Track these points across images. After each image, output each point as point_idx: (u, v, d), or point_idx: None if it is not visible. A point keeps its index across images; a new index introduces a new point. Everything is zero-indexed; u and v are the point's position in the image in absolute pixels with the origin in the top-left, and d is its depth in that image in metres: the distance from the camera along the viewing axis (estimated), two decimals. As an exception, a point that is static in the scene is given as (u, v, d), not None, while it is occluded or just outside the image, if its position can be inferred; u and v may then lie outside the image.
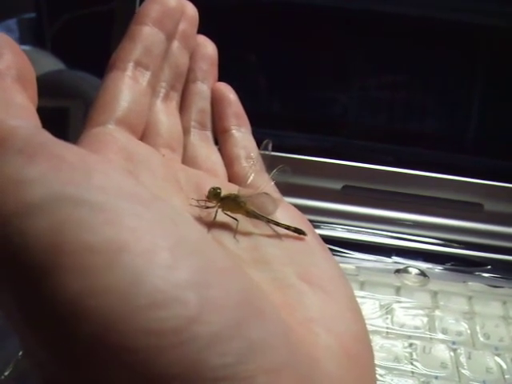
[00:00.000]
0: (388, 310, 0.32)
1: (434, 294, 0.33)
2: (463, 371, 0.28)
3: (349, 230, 0.39)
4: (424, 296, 0.33)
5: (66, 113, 0.46)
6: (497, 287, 0.35)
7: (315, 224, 0.30)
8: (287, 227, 0.22)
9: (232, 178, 0.26)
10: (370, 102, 0.42)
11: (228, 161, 0.26)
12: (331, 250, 0.22)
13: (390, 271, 0.35)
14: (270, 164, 0.24)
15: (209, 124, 0.27)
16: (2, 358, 0.27)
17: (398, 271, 0.35)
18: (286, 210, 0.23)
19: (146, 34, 0.24)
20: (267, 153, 0.25)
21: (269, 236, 0.21)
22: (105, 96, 0.22)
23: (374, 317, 0.31)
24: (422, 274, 0.35)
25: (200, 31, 0.28)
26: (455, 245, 0.38)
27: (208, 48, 0.28)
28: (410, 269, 0.35)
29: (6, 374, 0.27)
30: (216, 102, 0.27)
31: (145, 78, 0.24)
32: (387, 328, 0.31)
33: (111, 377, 0.12)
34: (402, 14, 0.39)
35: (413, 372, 0.28)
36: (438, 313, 0.32)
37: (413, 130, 0.41)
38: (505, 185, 0.38)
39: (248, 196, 0.22)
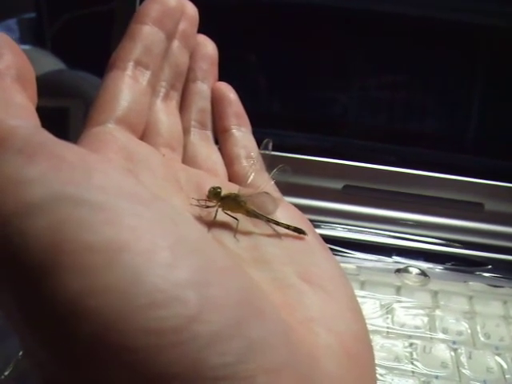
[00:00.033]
0: (388, 310, 0.32)
1: (435, 293, 0.33)
2: (464, 371, 0.28)
3: (349, 230, 0.39)
4: (424, 296, 0.33)
5: (66, 113, 0.46)
6: (497, 287, 0.35)
7: (316, 224, 0.30)
8: (287, 227, 0.22)
9: (232, 177, 0.26)
10: (370, 102, 0.42)
11: (228, 160, 0.26)
12: (332, 249, 0.22)
13: (390, 271, 0.35)
14: (270, 163, 0.24)
15: (209, 123, 0.27)
16: (2, 357, 0.27)
17: (398, 271, 0.35)
18: (286, 210, 0.23)
19: (146, 34, 0.24)
20: (267, 152, 0.25)
21: (269, 235, 0.21)
22: (105, 95, 0.22)
23: (374, 316, 0.31)
24: (423, 273, 0.35)
25: (200, 31, 0.28)
26: (456, 244, 0.38)
27: (208, 47, 0.28)
28: (411, 268, 0.35)
29: (6, 373, 0.27)
30: (216, 102, 0.27)
31: (145, 77, 0.24)
32: (388, 328, 0.31)
33: (111, 376, 0.12)
34: (401, 13, 0.39)
35: (413, 372, 0.28)
36: (438, 312, 0.32)
37: (413, 130, 0.41)
38: (505, 184, 0.38)
39: (248, 195, 0.22)
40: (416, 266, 0.36)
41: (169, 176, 0.22)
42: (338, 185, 0.39)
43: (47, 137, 0.14)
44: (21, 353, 0.27)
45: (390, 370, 0.28)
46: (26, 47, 0.58)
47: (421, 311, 0.32)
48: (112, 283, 0.12)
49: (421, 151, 0.41)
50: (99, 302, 0.11)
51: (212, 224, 0.21)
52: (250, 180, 0.24)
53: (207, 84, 0.28)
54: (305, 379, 0.14)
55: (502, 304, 0.33)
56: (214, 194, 0.22)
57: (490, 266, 0.37)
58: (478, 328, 0.31)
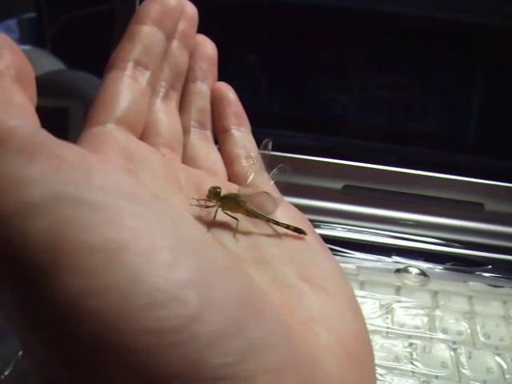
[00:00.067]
0: (388, 310, 0.32)
1: (435, 293, 0.33)
2: (463, 371, 0.28)
3: (349, 230, 0.39)
4: (424, 296, 0.33)
5: (66, 113, 0.46)
6: (497, 287, 0.35)
7: (316, 224, 0.30)
8: (287, 226, 0.22)
9: (232, 177, 0.26)
10: (370, 102, 0.42)
11: (228, 160, 0.26)
12: (331, 249, 0.22)
13: (390, 271, 0.35)
14: (269, 163, 0.24)
15: (208, 123, 0.27)
16: (2, 357, 0.27)
17: (398, 271, 0.35)
18: (285, 210, 0.23)
19: (146, 34, 0.24)
20: (267, 152, 0.25)
21: (269, 235, 0.21)
22: (104, 95, 0.22)
23: (374, 316, 0.31)
24: (423, 273, 0.35)
25: (200, 31, 0.28)
26: (456, 244, 0.38)
27: (208, 47, 0.28)
28: (411, 268, 0.35)
29: (6, 373, 0.27)
30: (216, 102, 0.27)
31: (144, 77, 0.24)
32: (387, 328, 0.31)
33: (111, 376, 0.12)
34: (401, 13, 0.39)
35: (413, 372, 0.28)
36: (438, 312, 0.32)
37: (413, 130, 0.41)
38: (505, 184, 0.38)
39: (248, 195, 0.22)
40: (416, 266, 0.36)
41: (169, 176, 0.22)
42: (337, 185, 0.39)
43: (47, 137, 0.14)
44: (21, 353, 0.27)
45: (389, 370, 0.28)
46: (26, 47, 0.58)
47: (421, 311, 0.32)
48: (112, 283, 0.12)
49: (421, 151, 0.41)
50: (99, 302, 0.11)
51: (212, 224, 0.21)
52: (249, 180, 0.24)
53: (207, 84, 0.28)
54: (305, 379, 0.14)
55: (501, 304, 0.33)
56: (214, 193, 0.22)
57: (489, 266, 0.37)
58: (478, 328, 0.31)
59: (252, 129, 0.28)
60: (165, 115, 0.25)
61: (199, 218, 0.21)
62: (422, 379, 0.28)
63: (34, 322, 0.12)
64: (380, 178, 0.39)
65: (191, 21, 0.27)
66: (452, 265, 0.37)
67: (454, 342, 0.30)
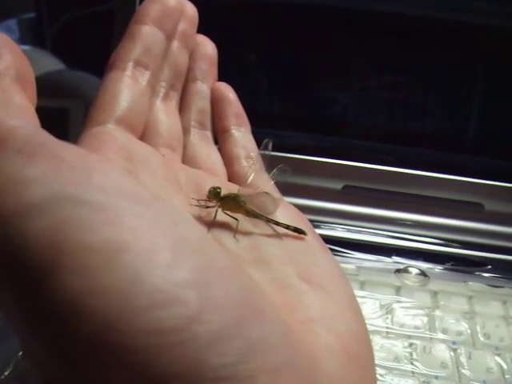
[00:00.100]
0: (388, 310, 0.32)
1: (435, 293, 0.33)
2: (463, 371, 0.28)
3: (349, 230, 0.39)
4: (424, 296, 0.33)
5: (66, 113, 0.46)
6: (497, 287, 0.35)
7: (315, 224, 0.30)
8: (287, 227, 0.22)
9: (232, 177, 0.26)
10: (370, 102, 0.42)
11: (228, 160, 0.26)
12: (331, 249, 0.22)
13: (390, 271, 0.35)
14: (269, 164, 0.24)
15: (208, 124, 0.27)
16: (2, 357, 0.27)
17: (398, 271, 0.35)
18: (285, 210, 0.23)
19: (146, 34, 0.24)
20: (267, 152, 0.25)
21: (269, 235, 0.21)
22: (104, 96, 0.22)
23: (374, 317, 0.31)
24: (423, 273, 0.35)
25: (200, 31, 0.28)
26: (455, 245, 0.38)
27: (207, 47, 0.28)
28: (411, 269, 0.35)
29: (6, 373, 0.27)
30: (216, 102, 0.27)
31: (144, 77, 0.24)
32: (387, 328, 0.31)
33: (111, 376, 0.12)
34: (401, 13, 0.39)
35: (413, 372, 0.28)
36: (438, 313, 0.32)
37: (413, 130, 0.41)
38: (505, 185, 0.38)
39: (248, 195, 0.22)
40: (416, 266, 0.36)
41: (168, 176, 0.22)
42: (337, 185, 0.39)
43: (47, 137, 0.14)
44: (21, 353, 0.27)
45: (389, 370, 0.28)
46: (26, 47, 0.58)
47: (420, 311, 0.32)
48: (112, 283, 0.12)
49: (421, 151, 0.41)
50: (99, 302, 0.11)
51: (212, 224, 0.21)
52: (249, 180, 0.24)
53: (207, 84, 0.28)
54: (305, 379, 0.14)
55: (501, 304, 0.33)
56: (214, 194, 0.22)
57: (489, 266, 0.37)
58: (478, 328, 0.31)
59: (252, 129, 0.28)
60: (165, 115, 0.25)
61: (199, 218, 0.21)
62: (422, 379, 0.28)
63: (34, 322, 0.12)
64: (380, 178, 0.39)
65: (191, 21, 0.27)
66: (452, 265, 0.37)
67: (454, 343, 0.30)
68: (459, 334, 0.30)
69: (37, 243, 0.12)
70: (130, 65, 0.23)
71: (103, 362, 0.12)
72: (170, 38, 0.25)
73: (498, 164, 0.40)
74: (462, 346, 0.30)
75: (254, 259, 0.20)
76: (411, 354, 0.29)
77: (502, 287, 0.35)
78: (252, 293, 0.14)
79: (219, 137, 0.27)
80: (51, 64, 0.55)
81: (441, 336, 0.30)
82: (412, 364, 0.28)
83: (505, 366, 0.29)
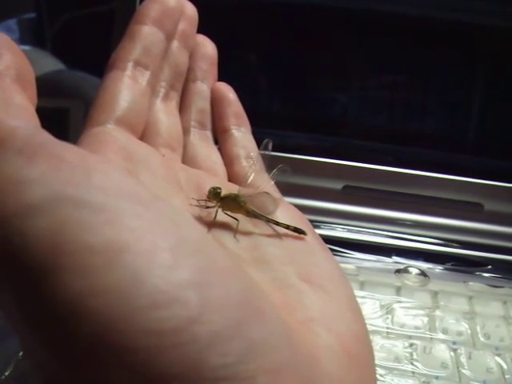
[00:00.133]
0: (388, 310, 0.32)
1: (435, 293, 0.33)
2: (464, 371, 0.28)
3: (349, 230, 0.39)
4: (424, 296, 0.33)
5: (66, 113, 0.46)
6: (497, 287, 0.35)
7: (315, 224, 0.30)
8: (287, 227, 0.22)
9: (232, 177, 0.26)
10: (370, 102, 0.42)
11: (228, 160, 0.26)
12: (331, 249, 0.22)
13: (390, 271, 0.35)
14: (269, 164, 0.24)
15: (208, 124, 0.27)
16: (3, 358, 0.27)
17: (398, 271, 0.35)
18: (286, 210, 0.23)
19: (146, 34, 0.24)
20: (267, 152, 0.25)
21: (269, 236, 0.21)
22: (104, 96, 0.22)
23: (374, 317, 0.31)
24: (423, 273, 0.35)
25: (200, 31, 0.28)
26: (455, 245, 0.38)
27: (207, 47, 0.28)
28: (411, 269, 0.35)
29: (7, 374, 0.27)
30: (216, 102, 0.27)
31: (144, 77, 0.24)
32: (387, 328, 0.31)
33: (111, 377, 0.12)
34: (401, 13, 0.39)
35: (413, 372, 0.28)
36: (438, 313, 0.32)
37: (413, 130, 0.41)
38: (505, 185, 0.38)
39: (248, 196, 0.22)
40: (416, 266, 0.36)
41: (169, 176, 0.22)
42: (337, 185, 0.39)
43: (47, 137, 0.14)
44: (21, 353, 0.27)
45: (389, 370, 0.28)
46: (26, 48, 0.58)
47: (421, 311, 0.32)
48: (112, 284, 0.12)
49: (421, 151, 0.41)
50: (99, 302, 0.11)
51: (212, 224, 0.21)
52: (249, 180, 0.24)
53: (207, 84, 0.28)
54: (305, 380, 0.14)
55: (501, 304, 0.33)
56: (214, 194, 0.22)
57: (489, 267, 0.37)
58: (478, 328, 0.31)
59: (252, 129, 0.28)
60: (165, 115, 0.25)
61: (199, 219, 0.21)
62: (422, 379, 0.28)
63: (34, 322, 0.12)
64: (380, 178, 0.39)
65: (191, 21, 0.27)
66: (452, 265, 0.37)
67: (454, 343, 0.30)
68: (459, 334, 0.30)
69: (37, 243, 0.12)
70: (130, 65, 0.23)
71: (103, 362, 0.12)
72: (169, 37, 0.25)
73: (498, 164, 0.40)
74: (462, 346, 0.30)
75: (254, 259, 0.20)
76: (411, 354, 0.29)
77: (502, 287, 0.35)
78: (252, 293, 0.14)
79: (219, 137, 0.27)
80: (51, 64, 0.55)
81: (441, 336, 0.30)
82: (412, 364, 0.28)
83: (505, 366, 0.29)
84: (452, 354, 0.29)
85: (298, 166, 0.38)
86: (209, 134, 0.27)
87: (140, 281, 0.12)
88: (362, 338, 0.18)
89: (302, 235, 0.22)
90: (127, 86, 0.23)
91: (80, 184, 0.13)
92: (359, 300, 0.20)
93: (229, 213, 0.22)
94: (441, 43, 0.40)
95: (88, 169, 0.13)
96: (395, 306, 0.32)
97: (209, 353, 0.12)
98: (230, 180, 0.26)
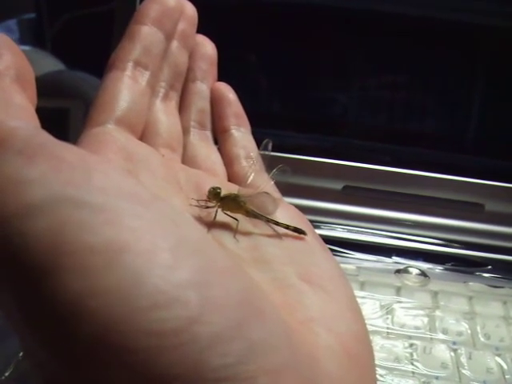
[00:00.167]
0: (388, 310, 0.32)
1: (435, 294, 0.33)
2: (464, 371, 0.28)
3: (349, 231, 0.39)
4: (424, 296, 0.33)
5: (66, 113, 0.46)
6: (497, 287, 0.35)
7: (315, 224, 0.30)
8: (287, 227, 0.22)
9: (232, 177, 0.26)
10: (370, 102, 0.42)
11: (228, 160, 0.26)
12: (331, 250, 0.22)
13: (390, 271, 0.35)
14: (269, 164, 0.24)
15: (208, 124, 0.27)
16: (3, 358, 0.27)
17: (398, 271, 0.35)
18: (285, 210, 0.23)
19: (145, 34, 0.24)
20: (267, 153, 0.25)
21: (269, 236, 0.21)
22: (104, 96, 0.22)
23: (374, 317, 0.31)
24: (423, 274, 0.35)
25: (200, 31, 0.28)
26: (456, 245, 0.38)
27: (207, 47, 0.28)
28: (411, 269, 0.35)
29: (7, 374, 0.27)
30: (215, 102, 0.27)
31: (144, 77, 0.24)
32: (388, 328, 0.31)
33: (111, 377, 0.12)
34: (401, 13, 0.39)
35: (413, 372, 0.28)
36: (438, 313, 0.32)
37: (413, 130, 0.41)
38: (505, 185, 0.38)
39: (248, 196, 0.22)
40: (416, 266, 0.36)
41: (168, 176, 0.22)
42: (337, 185, 0.39)
43: (47, 138, 0.14)
44: (21, 353, 0.27)
45: (390, 370, 0.28)
46: (26, 48, 0.58)
47: (421, 312, 0.32)
48: (113, 284, 0.12)
49: (421, 151, 0.41)
50: (100, 302, 0.11)
51: (212, 224, 0.21)
52: (249, 180, 0.24)
53: (206, 84, 0.27)
54: (305, 380, 0.14)
55: (501, 304, 0.33)
56: (214, 194, 0.22)
57: (489, 267, 0.37)
58: (478, 328, 0.31)
59: (252, 129, 0.28)
60: (164, 115, 0.25)
61: (199, 219, 0.21)
62: (423, 380, 0.28)
63: (34, 322, 0.12)
64: (380, 178, 0.39)
65: (191, 21, 0.27)
66: (452, 265, 0.37)
67: (455, 343, 0.30)
68: (459, 334, 0.30)
69: (37, 244, 0.12)
70: (130, 65, 0.23)
71: (103, 363, 0.12)
72: (169, 38, 0.25)
73: (498, 164, 0.40)
74: (463, 347, 0.30)
75: (254, 259, 0.20)
76: (411, 354, 0.29)
77: (502, 287, 0.35)
78: (252, 293, 0.14)
79: (219, 137, 0.27)
80: (51, 64, 0.55)
81: (441, 336, 0.30)
82: (412, 364, 0.28)
83: (505, 367, 0.29)
84: (452, 354, 0.29)
85: (298, 166, 0.38)
86: (209, 134, 0.27)
87: (140, 281, 0.12)
88: (362, 338, 0.18)
89: (301, 235, 0.22)
90: (127, 86, 0.23)
91: (80, 184, 0.13)
92: (359, 300, 0.20)
93: (229, 213, 0.22)
94: (441, 43, 0.40)
95: (88, 169, 0.13)
96: (395, 306, 0.32)
97: (209, 353, 0.12)
98: (229, 180, 0.26)
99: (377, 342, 0.29)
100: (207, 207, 0.22)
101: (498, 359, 0.29)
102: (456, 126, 0.40)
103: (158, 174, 0.22)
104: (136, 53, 0.24)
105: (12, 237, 0.12)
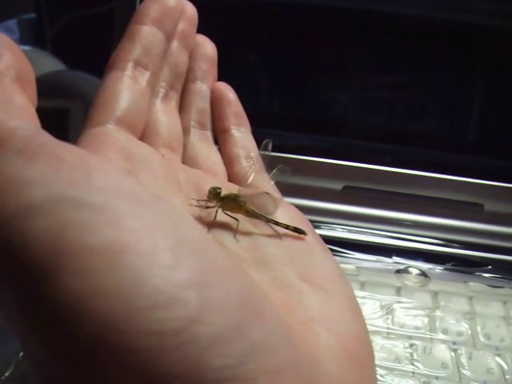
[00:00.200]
0: (388, 311, 0.32)
1: (435, 294, 0.33)
2: (464, 371, 0.28)
3: (349, 231, 0.39)
4: (424, 296, 0.33)
5: (66, 113, 0.46)
6: (497, 287, 0.35)
7: (315, 224, 0.30)
8: (287, 227, 0.22)
9: (232, 177, 0.26)
10: (370, 102, 0.42)
11: (228, 160, 0.26)
12: (331, 250, 0.22)
13: (390, 271, 0.35)
14: (269, 164, 0.24)
15: (208, 124, 0.27)
16: (3, 358, 0.27)
17: (398, 271, 0.35)
18: (286, 210, 0.23)
19: (146, 34, 0.24)
20: (267, 153, 0.25)
21: (269, 236, 0.21)
22: (104, 96, 0.22)
23: (374, 317, 0.31)
24: (423, 274, 0.35)
25: (200, 31, 0.28)
26: (456, 245, 0.38)
27: (207, 47, 0.28)
28: (411, 269, 0.35)
29: (7, 374, 0.27)
30: (216, 102, 0.27)
31: (144, 77, 0.24)
32: (388, 328, 0.31)
33: (111, 377, 0.12)
34: (402, 13, 0.39)
35: (413, 372, 0.28)
36: (438, 313, 0.32)
37: (413, 130, 0.41)
38: (505, 185, 0.38)
39: (248, 196, 0.22)
40: (416, 266, 0.36)
41: (168, 176, 0.22)
42: (337, 185, 0.39)
43: (47, 138, 0.14)
44: (21, 354, 0.27)
45: (390, 370, 0.28)
46: (26, 48, 0.58)
47: (421, 312, 0.32)
48: (113, 285, 0.12)
49: (421, 152, 0.41)
50: (100, 303, 0.11)
51: (212, 224, 0.21)
52: (249, 180, 0.24)
53: (206, 84, 0.27)
54: (305, 380, 0.14)
55: (502, 304, 0.33)
56: (214, 194, 0.22)
57: (489, 267, 0.37)
58: (478, 329, 0.31)
59: (252, 129, 0.28)
60: (165, 115, 0.25)
61: (199, 219, 0.21)
62: (423, 380, 0.28)
63: (34, 322, 0.12)
64: (380, 178, 0.39)
65: (191, 21, 0.27)
66: (452, 265, 0.37)
67: (455, 343, 0.30)
68: (459, 334, 0.30)
69: (37, 244, 0.12)
70: (130, 65, 0.23)
71: (103, 363, 0.12)
72: (169, 38, 0.25)
73: (498, 164, 0.40)
74: (463, 347, 0.30)
75: (254, 259, 0.20)
76: (412, 354, 0.29)
77: (502, 287, 0.35)
78: (252, 293, 0.14)
79: (219, 137, 0.27)
80: (51, 64, 0.55)
81: (441, 336, 0.30)
82: (412, 364, 0.28)
83: (505, 367, 0.29)
84: (452, 354, 0.29)
85: (298, 167, 0.38)
86: (209, 134, 0.27)
87: (140, 281, 0.12)
88: (362, 338, 0.18)
89: (301, 235, 0.22)
90: (127, 86, 0.23)
91: (80, 184, 0.13)
92: (359, 300, 0.20)
93: (229, 213, 0.22)
94: (441, 43, 0.40)
95: (88, 169, 0.13)
96: (395, 306, 0.32)
97: (209, 354, 0.12)
98: (229, 180, 0.26)
99: (377, 342, 0.29)
100: (207, 207, 0.22)
101: (498, 359, 0.29)
102: (456, 126, 0.40)
103: (158, 174, 0.22)
104: (136, 53, 0.24)
105: (12, 237, 0.12)
